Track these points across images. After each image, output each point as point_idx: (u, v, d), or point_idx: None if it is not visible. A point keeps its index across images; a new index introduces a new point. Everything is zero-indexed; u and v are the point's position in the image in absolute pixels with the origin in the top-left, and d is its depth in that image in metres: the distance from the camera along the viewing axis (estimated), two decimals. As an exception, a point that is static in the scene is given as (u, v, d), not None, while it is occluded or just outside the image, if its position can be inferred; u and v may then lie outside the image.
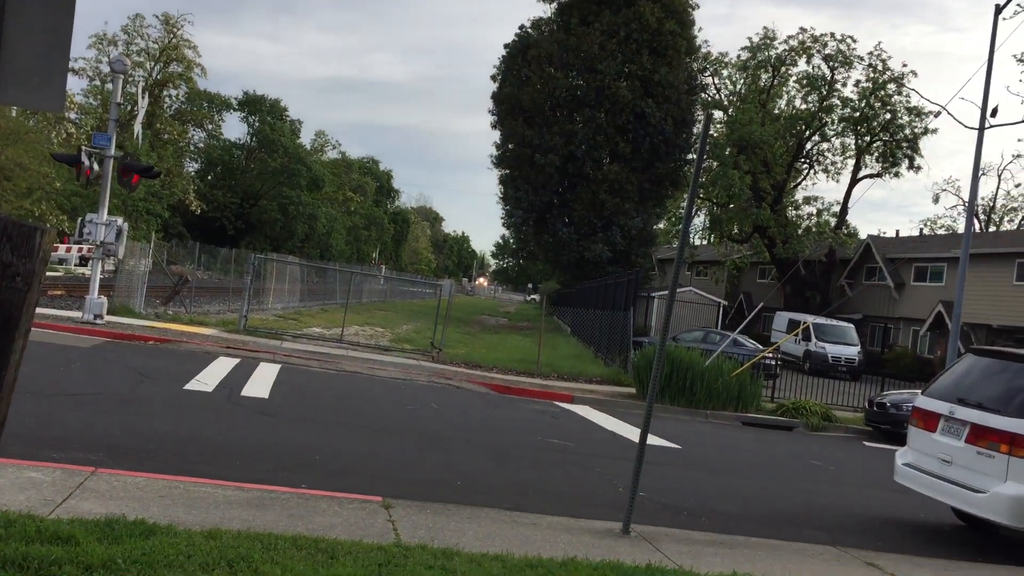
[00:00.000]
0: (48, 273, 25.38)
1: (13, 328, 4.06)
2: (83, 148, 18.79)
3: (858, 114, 48.21)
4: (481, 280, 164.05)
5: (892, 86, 47.36)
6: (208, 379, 13.37)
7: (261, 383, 13.73)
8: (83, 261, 37.45)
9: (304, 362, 17.56)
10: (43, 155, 40.60)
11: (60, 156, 21.46)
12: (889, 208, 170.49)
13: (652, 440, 10.14)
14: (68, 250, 38.97)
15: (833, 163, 51.76)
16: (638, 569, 6.00)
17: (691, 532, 7.87)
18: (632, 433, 13.58)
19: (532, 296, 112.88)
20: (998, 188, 76.84)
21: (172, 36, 63.91)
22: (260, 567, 4.83)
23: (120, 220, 19.16)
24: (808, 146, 51.50)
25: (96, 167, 18.67)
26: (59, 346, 14.94)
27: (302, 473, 8.09)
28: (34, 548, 4.57)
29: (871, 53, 48.07)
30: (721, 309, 46.51)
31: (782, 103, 53.07)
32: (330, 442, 10.03)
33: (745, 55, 50.85)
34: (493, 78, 47.64)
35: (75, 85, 59.64)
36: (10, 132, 41.40)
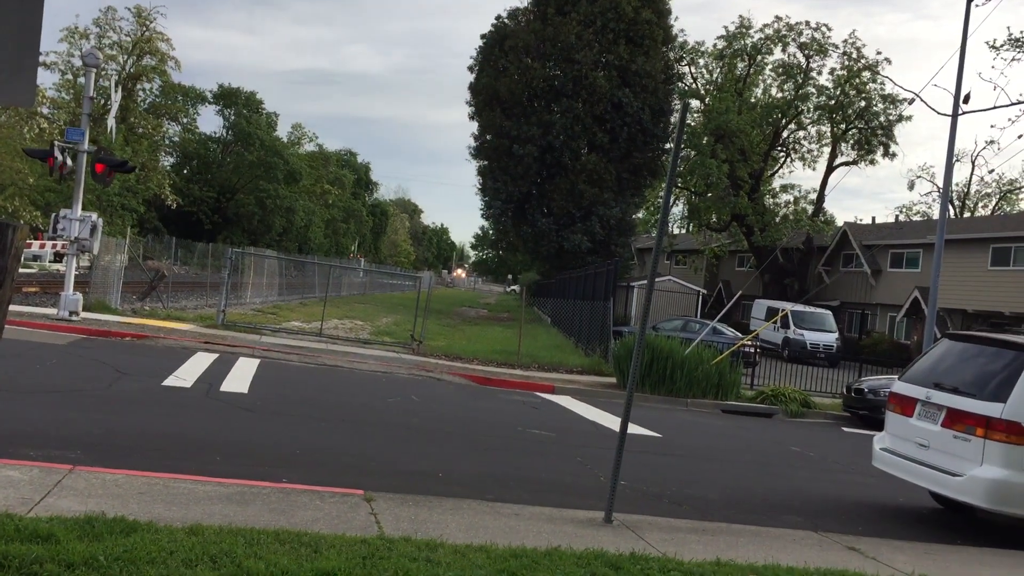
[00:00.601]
0: (22, 270, 25.13)
1: (-13, 326, 4.01)
2: (56, 143, 18.56)
3: (833, 102, 48.54)
4: (458, 271, 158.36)
5: (867, 74, 47.71)
6: (186, 375, 13.28)
7: (240, 378, 13.65)
8: (58, 257, 37.04)
9: (284, 356, 17.48)
10: (15, 150, 40.09)
11: (33, 151, 21.22)
12: (865, 195, 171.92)
13: (633, 429, 10.19)
14: (42, 246, 38.52)
15: (809, 151, 52.18)
16: (622, 558, 6.02)
17: (673, 520, 7.91)
18: (613, 422, 13.63)
19: (512, 287, 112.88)
20: (972, 174, 77.43)
21: (145, 29, 63.20)
22: (243, 562, 4.81)
23: (95, 216, 18.97)
24: (784, 134, 51.81)
25: (69, 162, 18.47)
26: (34, 343, 14.78)
27: (283, 468, 8.06)
28: (14, 547, 4.53)
29: (846, 41, 48.46)
30: (700, 298, 46.77)
31: (758, 92, 53.37)
32: (311, 436, 10.00)
33: (721, 44, 51.08)
34: (470, 69, 47.53)
35: (47, 79, 59.07)
36: (-19, 128, 40.90)
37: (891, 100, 47.61)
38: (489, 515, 7.09)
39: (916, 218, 61.08)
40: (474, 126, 47.55)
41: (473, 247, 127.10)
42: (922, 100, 52.48)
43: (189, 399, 11.40)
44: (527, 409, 14.79)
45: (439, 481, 8.40)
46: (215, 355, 16.19)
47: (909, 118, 57.18)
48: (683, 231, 63.30)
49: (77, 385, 11.44)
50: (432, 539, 5.93)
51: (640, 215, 54.66)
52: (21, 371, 11.64)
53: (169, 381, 12.53)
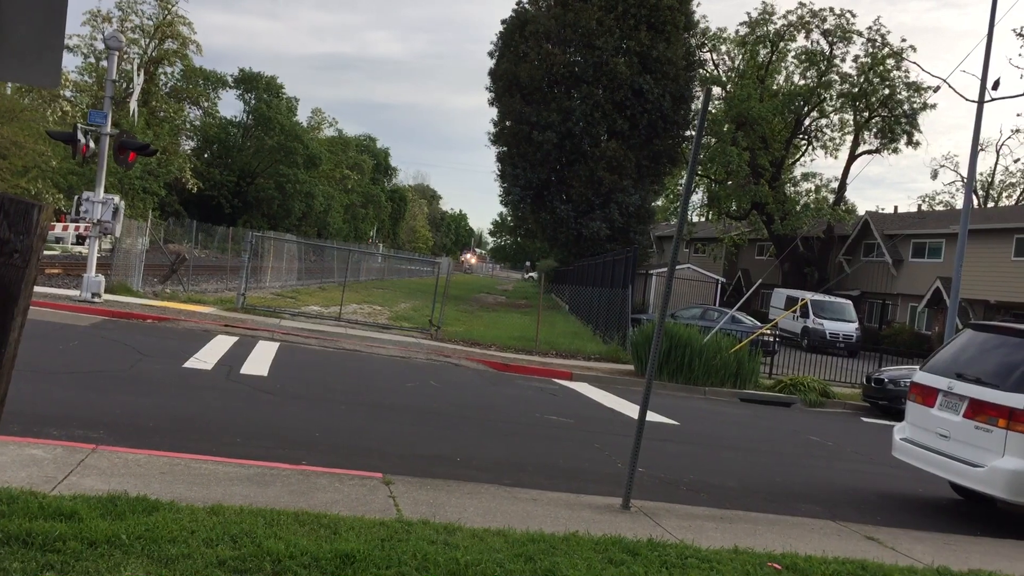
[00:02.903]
0: (45, 252, 25.34)
1: (12, 305, 4.05)
2: (79, 126, 18.67)
3: (856, 90, 48.04)
4: (468, 256, 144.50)
5: (891, 61, 47.17)
6: (207, 357, 13.37)
7: (260, 361, 13.73)
8: (80, 240, 37.31)
9: (303, 340, 17.56)
10: (39, 133, 40.39)
11: (56, 134, 21.33)
12: (887, 184, 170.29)
13: (651, 416, 10.17)
14: (65, 228, 38.81)
15: (831, 139, 51.70)
16: (639, 544, 6.02)
17: (691, 507, 7.90)
18: (631, 410, 13.62)
19: (530, 274, 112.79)
20: (996, 163, 76.76)
21: (167, 13, 63.43)
22: (263, 542, 4.84)
23: (117, 198, 19.08)
24: (806, 122, 51.36)
25: (92, 145, 18.58)
26: (58, 324, 14.92)
27: (302, 450, 8.10)
28: (37, 524, 4.58)
29: (870, 28, 47.91)
30: (719, 286, 46.55)
31: (780, 79, 52.89)
32: (330, 419, 10.05)
33: (744, 30, 50.65)
34: (490, 55, 47.38)
35: (70, 63, 59.56)
36: (5, 110, 41.21)
37: (915, 88, 47.09)
38: (507, 500, 7.11)
39: (939, 208, 60.59)
40: (494, 112, 47.48)
41: (491, 233, 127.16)
42: (950, 86, 51.93)
43: (209, 381, 11.48)
44: (545, 395, 14.80)
45: (457, 465, 8.42)
46: (235, 338, 16.29)
47: (934, 106, 56.69)
48: (702, 219, 62.99)
49: (99, 366, 11.54)
50: (450, 523, 5.95)
51: (659, 203, 54.48)
52: (44, 352, 11.75)
53: (190, 363, 12.62)
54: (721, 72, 52.72)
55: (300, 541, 4.97)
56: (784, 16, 49.22)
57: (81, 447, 6.81)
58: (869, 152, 50.02)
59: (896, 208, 55.58)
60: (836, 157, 54.04)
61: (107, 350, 13.08)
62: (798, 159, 54.08)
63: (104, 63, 46.17)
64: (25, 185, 40.46)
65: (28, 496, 5.09)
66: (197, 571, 4.32)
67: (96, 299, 18.15)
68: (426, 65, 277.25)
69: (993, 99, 20.05)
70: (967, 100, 39.40)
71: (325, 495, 6.42)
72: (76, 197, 19.16)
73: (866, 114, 48.86)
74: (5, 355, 4.08)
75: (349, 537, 5.21)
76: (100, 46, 57.12)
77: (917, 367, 10.63)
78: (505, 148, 46.47)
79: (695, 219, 61.91)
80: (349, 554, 4.84)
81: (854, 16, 48.80)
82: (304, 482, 6.73)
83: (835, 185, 50.73)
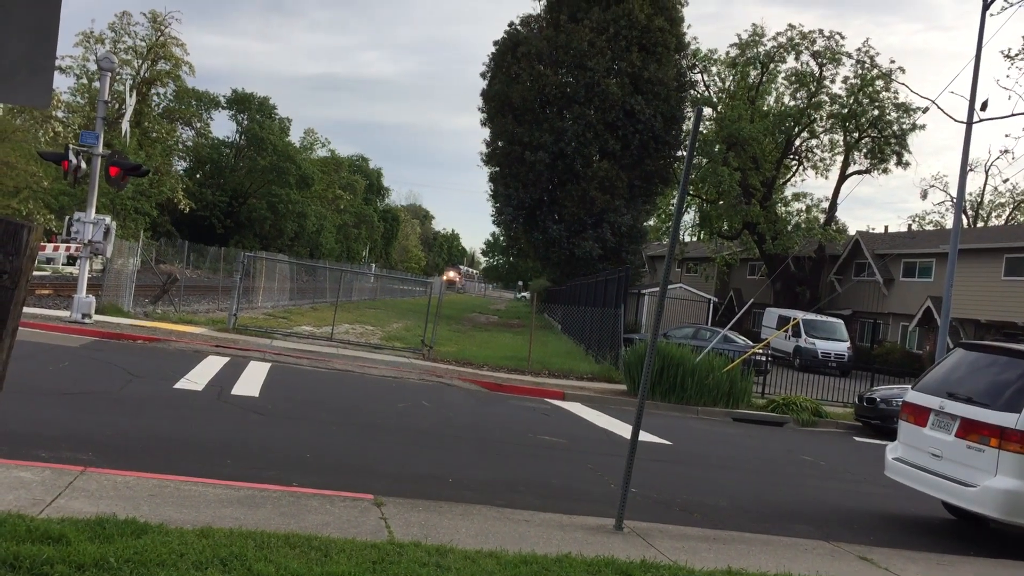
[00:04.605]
0: (36, 272, 25.25)
1: (0, 326, 4.02)
2: (71, 146, 18.67)
3: (846, 111, 48.35)
4: (451, 274, 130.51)
5: (880, 82, 47.51)
6: (198, 378, 13.31)
7: (251, 382, 13.67)
8: (71, 260, 37.25)
9: (295, 360, 17.51)
10: (30, 153, 40.36)
11: (47, 154, 21.31)
12: (878, 204, 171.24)
13: (643, 436, 10.15)
14: (56, 249, 38.76)
15: (822, 159, 51.99)
16: (632, 565, 5.99)
17: (684, 528, 7.87)
18: (623, 429, 13.59)
19: (522, 293, 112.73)
20: (985, 184, 77.07)
21: (160, 34, 63.56)
22: (254, 565, 4.80)
23: (108, 219, 19.06)
24: (797, 143, 51.66)
25: (84, 165, 18.57)
26: (48, 345, 14.84)
27: (293, 471, 8.06)
28: (25, 548, 4.53)
29: (859, 50, 48.25)
30: (711, 306, 46.62)
31: (771, 100, 53.25)
32: (321, 440, 10.00)
33: (734, 52, 51.01)
34: (483, 75, 47.59)
35: (62, 83, 59.34)
36: (-3, 131, 41.18)
37: (905, 109, 47.41)
38: (499, 521, 7.07)
39: (929, 228, 60.88)
40: (486, 132, 47.62)
41: (484, 253, 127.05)
42: (938, 107, 52.18)
43: (200, 402, 11.42)
44: (537, 415, 14.76)
45: (449, 486, 8.38)
46: (226, 359, 16.23)
47: (923, 127, 56.88)
48: (694, 239, 63.17)
49: (89, 387, 11.47)
50: (442, 544, 5.91)
51: (651, 223, 54.59)
52: (34, 373, 11.68)
53: (181, 384, 12.56)
54: (712, 93, 53.06)
55: (291, 564, 4.93)
56: (774, 38, 49.64)
57: (70, 469, 6.76)
58: (859, 172, 50.30)
59: (887, 228, 56.01)
60: (827, 177, 54.45)
61: (97, 371, 13.01)
62: (789, 179, 54.38)
63: (97, 84, 46.25)
64: (16, 206, 40.38)
65: (15, 519, 5.04)
66: (186, 595, 4.28)
67: (87, 320, 18.08)
68: (419, 86, 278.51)
69: (981, 120, 20.18)
70: (956, 121, 39.53)
71: (316, 517, 6.37)
72: (67, 218, 19.13)
73: (856, 135, 49.17)
74: (-7, 376, 4.04)
75: (340, 560, 5.17)
76: (93, 67, 57.17)
77: (909, 386, 10.65)
78: (497, 168, 46.60)
79: (687, 239, 62.10)
80: (340, 577, 4.80)
81: (843, 38, 49.32)
82: (295, 504, 6.68)
83: (826, 205, 50.98)
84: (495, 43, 46.83)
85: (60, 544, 4.71)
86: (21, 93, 5.13)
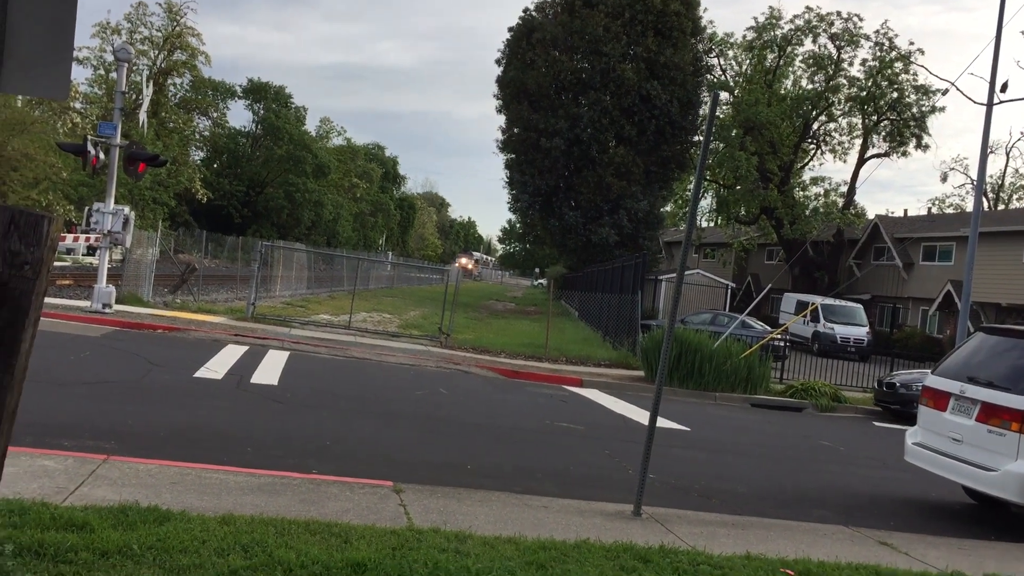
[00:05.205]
0: (56, 263, 25.45)
1: (23, 317, 4.06)
2: (89, 137, 18.77)
3: (865, 93, 47.94)
4: (463, 260, 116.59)
5: (899, 65, 47.08)
6: (217, 367, 13.40)
7: (270, 370, 13.75)
8: (91, 251, 37.49)
9: (313, 349, 17.59)
10: (49, 145, 40.60)
11: (66, 146, 21.45)
12: (897, 188, 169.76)
13: (661, 422, 10.15)
14: (76, 240, 38.99)
15: (840, 143, 51.59)
16: (651, 551, 6.00)
17: (702, 513, 7.87)
18: (641, 416, 13.59)
19: (539, 281, 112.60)
20: (1007, 166, 76.46)
21: (175, 24, 63.74)
22: (275, 552, 4.84)
23: (127, 209, 19.17)
24: (815, 126, 51.28)
25: (102, 156, 18.68)
26: (69, 335, 14.98)
27: (313, 459, 8.11)
28: (49, 535, 4.59)
29: (877, 32, 47.86)
30: (729, 291, 46.44)
31: (788, 83, 52.84)
32: (340, 428, 10.06)
33: (751, 35, 50.65)
34: (498, 62, 47.44)
35: (79, 74, 59.67)
36: (16, 123, 41.42)
37: (924, 91, 46.98)
38: (518, 507, 7.10)
39: (949, 211, 60.36)
40: (502, 119, 47.49)
41: (500, 240, 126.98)
42: (958, 89, 51.82)
43: (220, 391, 11.50)
44: (555, 402, 14.78)
45: (468, 473, 8.41)
46: (245, 347, 16.33)
47: (942, 109, 56.51)
48: (711, 224, 62.89)
49: (110, 377, 11.58)
50: (461, 531, 5.94)
51: (668, 208, 54.38)
52: (56, 363, 11.80)
53: (200, 373, 12.65)
54: (729, 77, 52.71)
55: (311, 550, 4.97)
56: (791, 20, 49.27)
57: (92, 458, 6.83)
58: (878, 156, 49.92)
59: (906, 211, 55.36)
60: (845, 161, 54.14)
61: (118, 360, 13.12)
62: (807, 163, 53.99)
63: (113, 75, 46.42)
64: (36, 197, 40.66)
65: (40, 507, 5.10)
66: (208, 581, 4.32)
67: (107, 310, 18.22)
68: (434, 73, 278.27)
69: (1002, 101, 20.01)
70: (975, 103, 39.27)
71: (336, 504, 6.42)
72: (86, 208, 19.26)
73: (875, 118, 48.75)
74: (16, 366, 4.09)
75: (360, 546, 5.20)
76: (110, 58, 57.44)
77: (929, 371, 10.59)
78: (513, 155, 46.50)
79: (704, 224, 61.81)
80: (360, 563, 4.84)
81: (861, 20, 48.96)
82: (315, 491, 6.73)
83: (844, 189, 50.62)
84: (510, 29, 46.69)
85: (84, 531, 4.76)
86: (40, 85, 5.17)
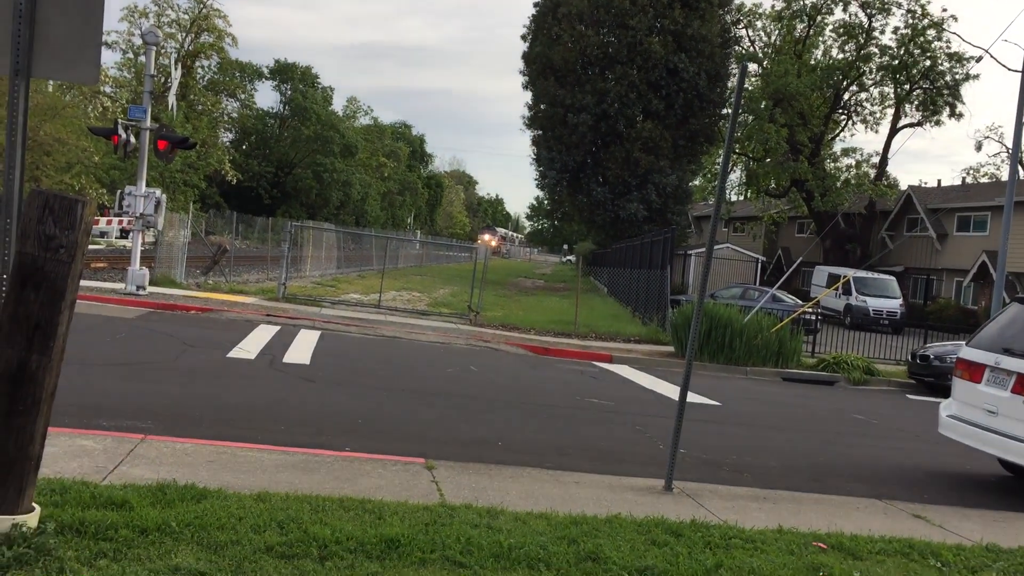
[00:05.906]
0: (90, 246, 25.80)
1: (59, 299, 4.14)
2: (119, 121, 18.95)
3: (897, 62, 47.09)
4: (486, 237, 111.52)
5: (932, 32, 46.16)
6: (250, 346, 13.55)
7: (302, 349, 13.88)
8: (124, 234, 37.96)
9: (343, 328, 17.72)
10: (81, 129, 40.98)
11: (97, 130, 21.66)
12: (930, 158, 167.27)
13: (692, 397, 10.13)
14: (109, 223, 39.50)
15: (872, 113, 50.74)
16: (683, 525, 6.02)
17: (734, 488, 7.87)
18: (671, 391, 13.57)
19: (568, 257, 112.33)
20: (1043, 134, 74.72)
21: (202, 6, 63.98)
22: (309, 528, 4.91)
23: (158, 192, 19.36)
24: (846, 96, 50.48)
25: (133, 139, 18.85)
26: (104, 317, 15.20)
27: (345, 437, 8.19)
28: (90, 513, 4.69)
29: (909, -1, 46.85)
30: (759, 265, 46.13)
31: (818, 53, 52.01)
32: (372, 406, 10.14)
33: (780, 5, 49.82)
34: (523, 38, 47.21)
35: (108, 59, 60.15)
36: (48, 108, 41.80)
37: (958, 59, 46.05)
38: (549, 483, 7.14)
39: (984, 180, 59.29)
40: (528, 96, 47.32)
41: (528, 217, 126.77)
42: (992, 56, 50.73)
43: (253, 370, 11.63)
44: (585, 378, 14.80)
45: (499, 449, 8.46)
46: (277, 327, 16.48)
47: (976, 77, 55.40)
48: (741, 198, 62.34)
49: (146, 358, 11.75)
50: (493, 506, 5.99)
51: (697, 182, 53.98)
52: (92, 344, 11.98)
53: (233, 353, 12.79)
54: (757, 48, 52.00)
55: (346, 526, 5.03)
56: (821, -11, 48.36)
57: (130, 437, 6.95)
58: (911, 125, 49.06)
59: (939, 182, 54.58)
60: (877, 131, 53.36)
61: (153, 341, 13.31)
62: (838, 134, 53.22)
63: (142, 58, 46.72)
64: (69, 181, 41.11)
65: (80, 486, 5.21)
66: (245, 557, 4.40)
67: (141, 292, 18.46)
68: (459, 51, 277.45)
69: (1038, 67, 19.51)
70: (1010, 70, 38.54)
71: (369, 481, 6.49)
72: (119, 192, 19.47)
73: (907, 87, 47.90)
74: (54, 347, 4.17)
75: (393, 522, 5.26)
76: (138, 41, 57.83)
77: (963, 343, 10.47)
78: (540, 131, 46.33)
79: (733, 198, 61.27)
80: (394, 539, 4.90)
81: (893, -14, 47.74)
82: (348, 468, 6.81)
83: (876, 160, 49.89)
84: (535, 4, 46.39)
85: (123, 509, 4.86)
86: (70, 70, 5.23)
